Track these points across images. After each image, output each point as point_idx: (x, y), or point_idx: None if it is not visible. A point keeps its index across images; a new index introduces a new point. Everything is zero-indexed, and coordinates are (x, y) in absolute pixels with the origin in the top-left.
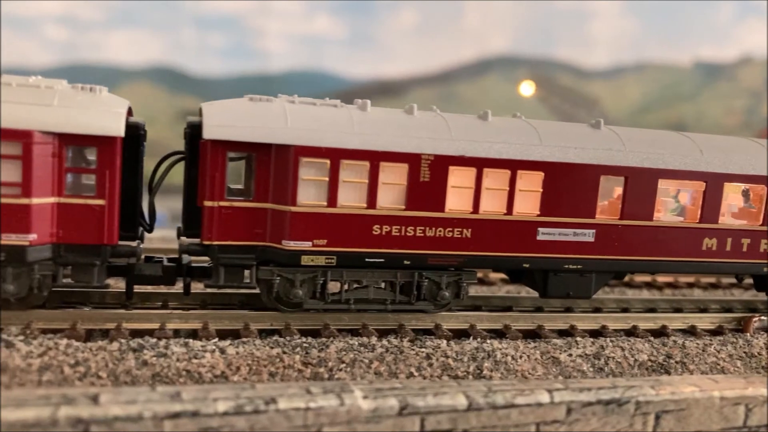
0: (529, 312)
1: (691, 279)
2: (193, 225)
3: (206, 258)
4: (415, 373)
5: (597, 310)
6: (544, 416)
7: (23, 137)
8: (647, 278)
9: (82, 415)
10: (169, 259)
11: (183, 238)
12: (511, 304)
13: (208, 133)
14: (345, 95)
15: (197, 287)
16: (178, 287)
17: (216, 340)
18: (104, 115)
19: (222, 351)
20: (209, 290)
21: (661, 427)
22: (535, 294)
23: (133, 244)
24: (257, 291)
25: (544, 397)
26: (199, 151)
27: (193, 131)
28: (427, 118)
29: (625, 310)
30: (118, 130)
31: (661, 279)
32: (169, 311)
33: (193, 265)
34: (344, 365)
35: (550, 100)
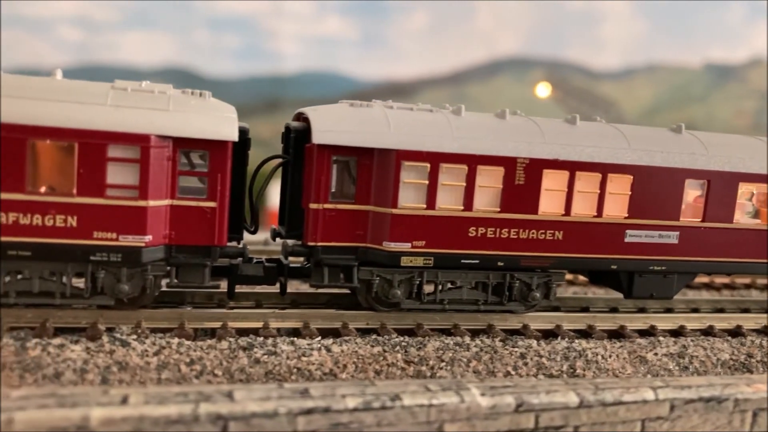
0: (604, 312)
1: (747, 280)
2: (294, 226)
3: (299, 258)
4: (512, 372)
5: (668, 310)
6: (649, 413)
7: (141, 141)
8: (705, 279)
9: (222, 411)
10: (268, 260)
11: (286, 241)
12: (587, 305)
13: (318, 138)
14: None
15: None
16: (261, 287)
17: (319, 338)
18: (218, 120)
19: (327, 349)
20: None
21: (758, 425)
22: (606, 295)
23: (239, 245)
24: (346, 291)
25: (649, 395)
26: (303, 155)
27: (298, 136)
28: (519, 122)
29: (695, 311)
30: (232, 134)
31: (719, 280)
32: (270, 311)
33: (291, 265)
34: (444, 364)
35: (567, 101)
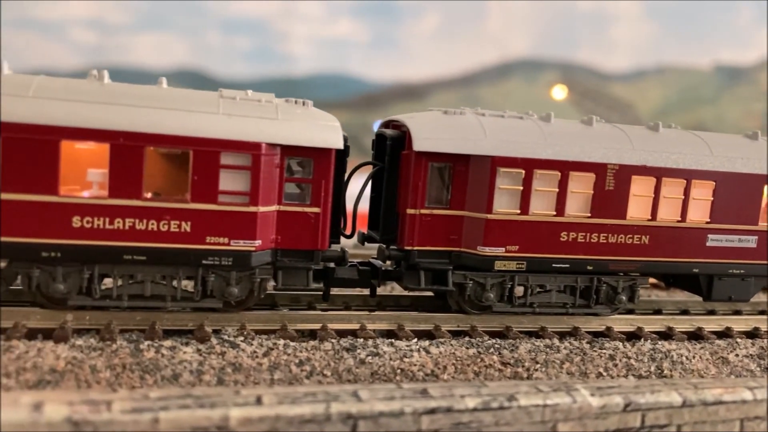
0: (676, 314)
1: None
2: (388, 231)
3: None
4: (603, 373)
5: (737, 312)
6: (747, 412)
7: (252, 149)
8: None
9: (351, 410)
10: (361, 263)
11: (382, 245)
12: (659, 307)
13: (418, 145)
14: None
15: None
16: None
17: (415, 340)
18: (323, 129)
19: (426, 351)
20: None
21: None
22: (676, 297)
23: (338, 248)
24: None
25: (747, 395)
26: (398, 161)
27: (394, 143)
28: (606, 129)
29: (762, 313)
30: (338, 142)
31: None
32: (364, 313)
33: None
34: (538, 365)
35: (583, 103)
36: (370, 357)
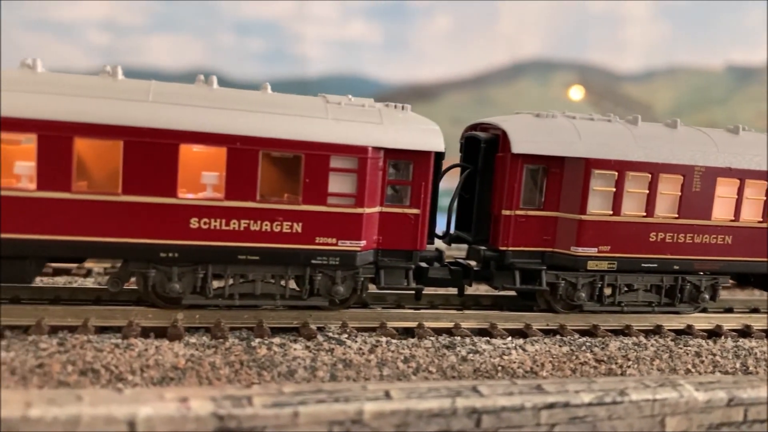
0: (746, 312)
1: None
2: (480, 232)
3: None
4: (692, 370)
5: None
6: None
7: (359, 152)
8: None
9: (476, 405)
10: (452, 263)
11: (476, 245)
12: (729, 305)
13: (516, 148)
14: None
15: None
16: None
17: (510, 338)
18: (425, 132)
19: (523, 348)
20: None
21: None
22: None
23: (432, 248)
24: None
25: None
26: (492, 164)
27: (488, 146)
28: (691, 132)
29: None
30: (439, 146)
31: None
32: (459, 312)
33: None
34: (630, 362)
35: (601, 104)
36: (470, 354)
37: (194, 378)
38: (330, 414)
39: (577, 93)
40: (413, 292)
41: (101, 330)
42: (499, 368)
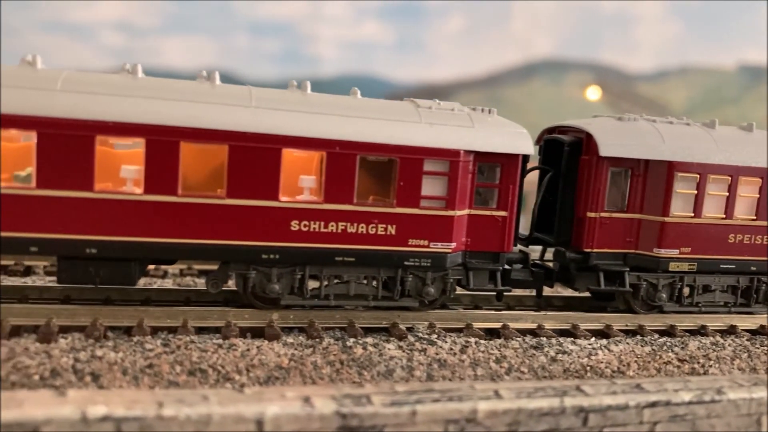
0: None
1: None
2: (562, 234)
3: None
4: None
5: None
6: None
7: (452, 156)
8: None
9: (583, 404)
10: (533, 265)
11: (560, 248)
12: None
13: (604, 150)
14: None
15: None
16: None
17: (593, 338)
18: (514, 136)
19: (608, 349)
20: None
21: None
22: None
23: (516, 250)
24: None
25: None
26: (575, 167)
27: (572, 148)
28: (764, 135)
29: None
30: (529, 149)
31: None
32: (542, 313)
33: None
34: (711, 362)
35: (619, 104)
36: (559, 355)
37: (298, 377)
38: (446, 413)
39: (594, 93)
40: (494, 293)
41: (198, 330)
42: (588, 368)
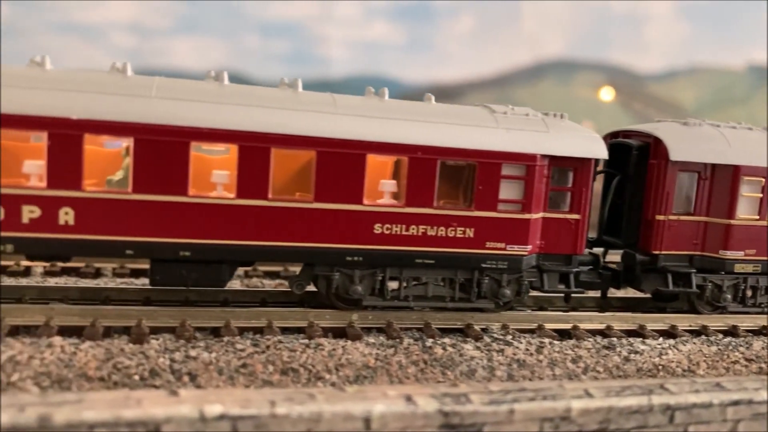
0: None
1: None
2: (629, 236)
3: None
4: None
5: None
6: None
7: (529, 160)
8: None
9: (669, 402)
10: (602, 267)
11: (629, 250)
12: None
13: (675, 155)
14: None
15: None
16: None
17: (661, 339)
18: (588, 140)
19: (677, 349)
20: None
21: None
22: None
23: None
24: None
25: None
26: (644, 170)
27: (640, 153)
28: None
29: None
30: (603, 153)
31: None
32: (610, 314)
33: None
34: None
35: (632, 105)
36: (631, 355)
37: (385, 376)
38: (541, 411)
39: (607, 94)
40: (562, 294)
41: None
42: (660, 367)
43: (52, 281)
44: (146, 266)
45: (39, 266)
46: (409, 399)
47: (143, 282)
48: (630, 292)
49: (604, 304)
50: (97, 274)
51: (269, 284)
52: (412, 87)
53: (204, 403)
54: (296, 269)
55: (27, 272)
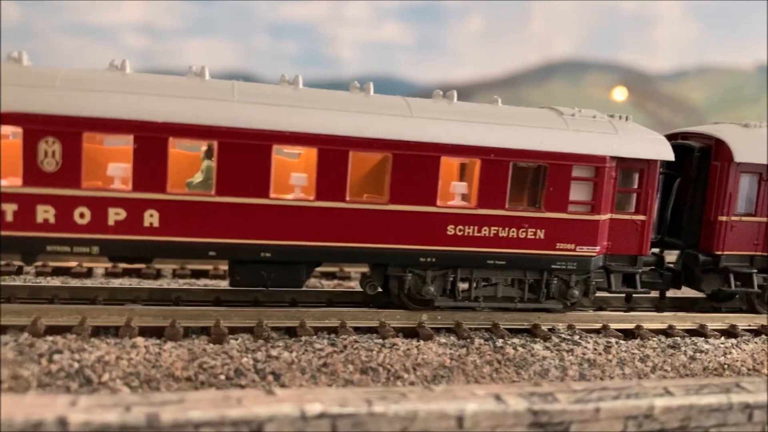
0: None
1: None
2: (690, 237)
3: None
4: None
5: None
6: None
7: (598, 162)
8: None
9: (748, 401)
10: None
11: (690, 251)
12: None
13: (739, 157)
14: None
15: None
16: None
17: (722, 338)
18: (656, 142)
19: (741, 348)
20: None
21: None
22: None
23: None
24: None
25: None
26: (705, 172)
27: (702, 154)
28: None
29: None
30: (669, 154)
31: None
32: (671, 314)
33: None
34: None
35: (645, 105)
36: (697, 354)
37: (461, 376)
38: (626, 409)
39: (620, 94)
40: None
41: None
42: (726, 366)
43: (116, 282)
44: (207, 267)
45: (101, 267)
46: (498, 398)
47: (204, 282)
48: (678, 293)
49: (662, 305)
50: (158, 275)
51: (327, 284)
52: (422, 87)
53: (303, 401)
54: (350, 270)
55: (89, 273)
